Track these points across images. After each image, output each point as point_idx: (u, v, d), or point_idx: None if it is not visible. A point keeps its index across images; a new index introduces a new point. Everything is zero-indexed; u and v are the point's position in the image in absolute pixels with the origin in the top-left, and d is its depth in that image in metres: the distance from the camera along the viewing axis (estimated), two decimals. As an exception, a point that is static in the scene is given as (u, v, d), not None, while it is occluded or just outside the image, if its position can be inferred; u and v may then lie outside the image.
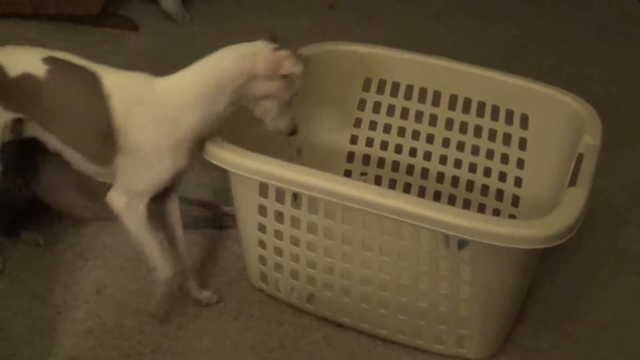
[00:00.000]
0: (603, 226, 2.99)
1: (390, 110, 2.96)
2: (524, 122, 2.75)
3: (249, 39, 4.34)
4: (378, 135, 2.99)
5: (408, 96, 2.91)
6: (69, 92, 2.26)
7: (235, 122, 2.40)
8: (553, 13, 4.93)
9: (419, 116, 2.92)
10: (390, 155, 3.00)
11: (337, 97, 2.95)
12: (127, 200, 2.29)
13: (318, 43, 2.92)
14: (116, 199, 2.31)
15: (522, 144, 2.78)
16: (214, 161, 2.27)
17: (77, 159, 2.34)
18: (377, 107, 2.97)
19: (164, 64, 3.96)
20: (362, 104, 2.98)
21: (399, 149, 2.98)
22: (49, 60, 2.24)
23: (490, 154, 2.85)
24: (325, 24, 4.61)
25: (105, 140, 2.22)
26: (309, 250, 2.36)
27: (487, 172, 2.87)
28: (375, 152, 3.01)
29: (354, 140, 3.01)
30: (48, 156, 2.78)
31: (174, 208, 2.47)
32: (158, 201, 2.42)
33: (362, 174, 3.04)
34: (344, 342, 2.46)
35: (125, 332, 2.46)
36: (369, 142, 3.01)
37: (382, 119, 2.98)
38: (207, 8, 4.72)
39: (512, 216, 2.82)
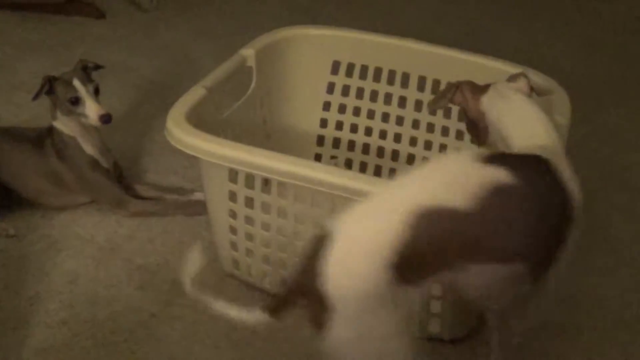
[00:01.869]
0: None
1: (359, 93, 2.96)
2: (493, 102, 2.75)
3: (218, 24, 4.35)
4: (347, 118, 3.00)
5: (377, 78, 2.92)
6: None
7: (203, 108, 2.40)
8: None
9: (388, 98, 2.93)
10: (360, 137, 3.01)
11: (305, 81, 2.96)
12: None
13: (285, 27, 2.92)
14: None
15: (493, 124, 2.78)
16: (182, 148, 2.25)
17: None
18: (346, 90, 2.98)
19: (131, 52, 4.00)
20: (330, 87, 2.99)
21: (368, 132, 2.99)
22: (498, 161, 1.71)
23: (460, 135, 2.85)
24: (294, 6, 4.60)
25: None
26: (280, 234, 2.35)
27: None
28: (345, 135, 3.02)
29: (323, 123, 3.02)
30: (14, 143, 2.77)
31: None
32: None
33: (333, 157, 3.05)
34: (317, 326, 2.46)
35: (99, 322, 2.45)
36: (339, 126, 3.02)
37: (351, 101, 2.98)
38: (174, -6, 4.72)
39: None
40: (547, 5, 4.79)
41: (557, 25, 4.55)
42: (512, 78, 2.13)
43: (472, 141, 2.52)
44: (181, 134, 2.26)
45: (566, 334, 2.48)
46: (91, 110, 2.65)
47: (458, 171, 1.68)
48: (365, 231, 1.65)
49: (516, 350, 2.15)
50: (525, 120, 1.96)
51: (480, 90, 2.09)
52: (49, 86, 2.66)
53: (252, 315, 1.79)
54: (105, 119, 2.65)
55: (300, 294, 1.71)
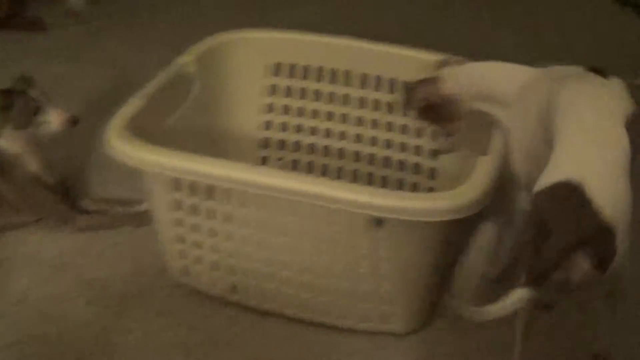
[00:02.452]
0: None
1: (302, 94, 2.95)
2: (436, 95, 2.76)
3: (161, 31, 4.33)
4: (292, 120, 2.99)
5: (319, 78, 2.91)
6: None
7: (144, 118, 2.39)
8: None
9: (331, 97, 2.93)
10: (305, 138, 3.00)
11: (247, 85, 2.94)
12: None
13: (223, 32, 2.91)
14: None
15: (435, 117, 2.79)
16: (123, 160, 2.24)
17: None
18: (288, 91, 2.96)
19: (74, 64, 3.96)
20: (273, 89, 2.97)
21: (313, 131, 2.98)
22: None
23: (404, 129, 2.86)
24: (238, 10, 4.59)
25: None
26: (227, 240, 2.35)
27: (403, 147, 2.88)
28: (290, 136, 3.01)
29: (268, 126, 3.01)
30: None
31: None
32: None
33: (279, 159, 3.04)
34: (271, 329, 2.46)
35: (51, 339, 2.42)
36: (284, 127, 3.01)
37: (294, 102, 2.97)
38: (115, 3, 4.68)
39: (430, 189, 2.84)
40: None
41: (505, 14, 4.57)
42: (444, 63, 2.41)
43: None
44: (121, 145, 2.25)
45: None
46: (55, 116, 2.65)
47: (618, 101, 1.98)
48: (606, 161, 1.82)
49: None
50: (499, 71, 2.30)
51: (434, 80, 2.36)
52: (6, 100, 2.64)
53: (516, 298, 1.80)
54: (72, 120, 2.67)
55: (571, 249, 1.76)
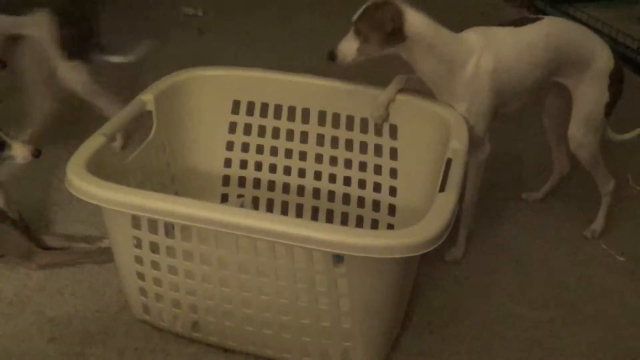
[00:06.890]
0: (481, 226, 3.06)
1: (261, 131, 2.98)
2: (393, 132, 2.80)
3: (116, 67, 4.31)
4: (251, 157, 3.02)
5: (277, 115, 2.94)
6: None
7: (104, 156, 2.40)
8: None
9: (290, 134, 2.95)
10: (265, 175, 3.03)
11: (207, 122, 2.96)
12: None
13: (185, 69, 2.93)
14: None
15: (393, 154, 2.83)
16: (83, 197, 2.24)
17: None
18: (248, 129, 2.99)
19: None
20: (232, 127, 2.99)
21: (273, 169, 3.01)
22: None
23: (363, 166, 2.89)
24: (195, 49, 4.62)
25: None
26: (188, 278, 2.35)
27: (362, 184, 2.91)
28: (250, 173, 3.03)
29: (227, 163, 3.03)
30: None
31: None
32: None
33: (239, 196, 3.06)
34: (233, 367, 2.46)
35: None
36: (243, 164, 3.03)
37: (254, 140, 3.00)
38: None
39: (390, 225, 2.87)
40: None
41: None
42: None
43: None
44: (81, 183, 2.24)
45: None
46: (20, 149, 2.67)
47: None
48: None
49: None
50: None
51: None
52: None
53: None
54: (37, 153, 2.68)
55: None
